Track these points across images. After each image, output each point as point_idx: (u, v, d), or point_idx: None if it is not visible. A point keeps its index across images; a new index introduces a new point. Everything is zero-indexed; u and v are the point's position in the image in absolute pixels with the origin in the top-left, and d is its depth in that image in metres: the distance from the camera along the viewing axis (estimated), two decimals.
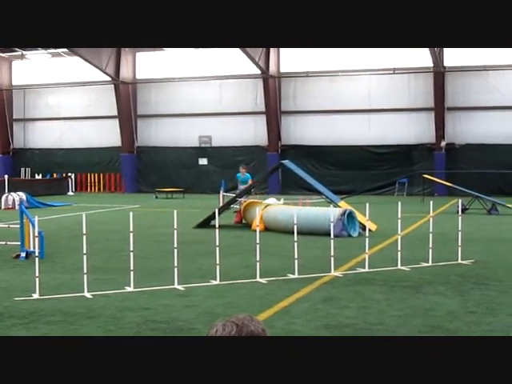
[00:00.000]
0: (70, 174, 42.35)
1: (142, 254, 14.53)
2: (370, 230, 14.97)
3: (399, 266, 13.12)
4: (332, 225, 13.47)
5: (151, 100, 43.31)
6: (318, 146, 39.79)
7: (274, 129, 40.15)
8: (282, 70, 40.72)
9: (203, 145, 42.16)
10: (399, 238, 13.71)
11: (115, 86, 41.78)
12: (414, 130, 38.59)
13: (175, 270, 11.42)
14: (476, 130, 37.40)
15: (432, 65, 37.17)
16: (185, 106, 42.20)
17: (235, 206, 23.34)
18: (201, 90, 41.79)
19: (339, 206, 19.69)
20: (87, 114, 44.26)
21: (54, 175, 43.96)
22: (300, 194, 32.91)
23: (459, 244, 13.85)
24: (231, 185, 32.31)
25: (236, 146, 41.12)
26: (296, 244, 12.52)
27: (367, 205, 13.55)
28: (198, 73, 41.48)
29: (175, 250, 11.58)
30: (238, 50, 36.70)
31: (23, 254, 14.49)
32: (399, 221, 13.70)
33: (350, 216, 18.58)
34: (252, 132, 41.22)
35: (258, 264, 12.07)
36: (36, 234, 12.44)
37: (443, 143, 37.57)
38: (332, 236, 13.08)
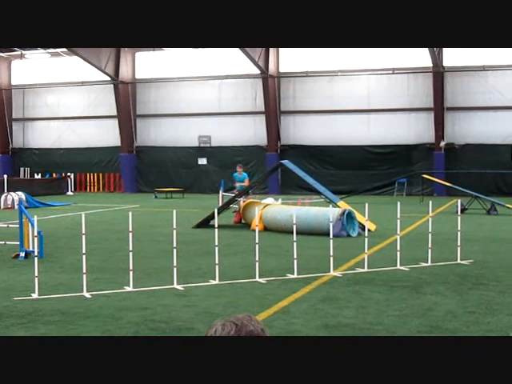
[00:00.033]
0: (69, 174, 42.34)
1: (141, 254, 14.54)
2: (369, 230, 14.98)
3: (398, 266, 13.12)
4: (331, 225, 13.47)
5: (150, 100, 43.31)
6: (317, 146, 39.80)
7: (273, 129, 40.16)
8: (281, 70, 40.73)
9: (202, 145, 42.15)
10: (398, 238, 13.71)
11: (114, 85, 41.78)
12: (413, 130, 38.60)
13: (174, 269, 11.43)
14: (475, 130, 37.42)
15: (431, 65, 37.18)
16: (184, 105, 42.21)
17: (234, 206, 23.34)
18: (200, 90, 41.80)
19: (338, 206, 19.70)
20: (86, 114, 44.27)
21: (54, 175, 43.95)
22: (299, 194, 32.98)
23: (458, 244, 13.85)
24: (231, 185, 32.34)
25: (235, 145, 41.12)
26: (295, 244, 12.52)
27: (366, 205, 13.55)
28: (197, 73, 41.48)
29: (174, 250, 11.58)
30: (237, 49, 36.71)
31: (22, 254, 14.49)
32: (398, 221, 13.71)
33: (350, 216, 18.58)
34: (251, 132, 41.23)
35: (257, 264, 12.08)
36: (35, 234, 12.44)
37: (442, 143, 37.58)
38: (331, 236, 13.09)
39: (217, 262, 11.84)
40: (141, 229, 18.70)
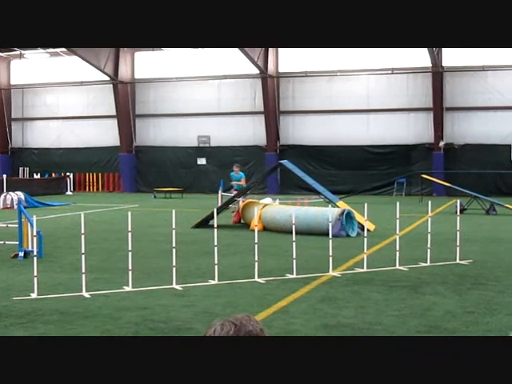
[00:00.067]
0: (68, 174, 42.31)
1: (141, 254, 14.54)
2: (368, 230, 14.97)
3: (397, 266, 13.12)
4: (330, 225, 13.47)
5: (150, 100, 43.31)
6: (316, 146, 39.81)
7: (272, 129, 40.16)
8: (280, 70, 40.73)
9: (202, 144, 42.15)
10: (397, 238, 13.71)
11: (114, 85, 41.77)
12: (412, 130, 38.61)
13: (173, 269, 11.43)
14: (474, 130, 37.43)
15: (430, 65, 37.19)
16: (183, 105, 42.21)
17: (233, 206, 23.34)
18: (199, 90, 41.80)
19: (338, 206, 19.70)
20: (86, 114, 44.26)
21: (53, 175, 43.93)
22: (298, 194, 32.97)
23: (457, 244, 13.86)
24: (230, 184, 32.35)
25: (234, 145, 41.13)
26: (294, 244, 12.52)
27: (365, 205, 13.56)
28: (196, 73, 41.48)
29: (173, 250, 11.58)
30: (236, 49, 36.71)
31: (21, 254, 14.49)
32: (397, 221, 13.71)
33: (349, 216, 18.58)
34: (250, 132, 41.23)
35: (256, 264, 12.08)
36: (34, 234, 12.44)
37: (442, 143, 37.59)
38: (330, 236, 13.09)
39: (216, 261, 11.84)
40: (140, 229, 18.70)
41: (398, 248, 13.37)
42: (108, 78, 41.51)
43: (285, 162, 23.16)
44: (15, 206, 26.03)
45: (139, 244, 15.42)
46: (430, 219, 14.36)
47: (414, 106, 38.50)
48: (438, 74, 37.28)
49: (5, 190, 31.68)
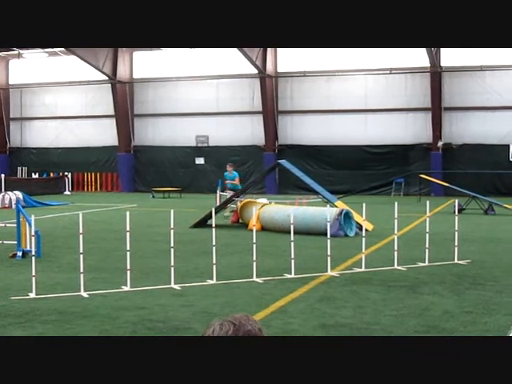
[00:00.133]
0: (66, 174, 42.28)
1: (139, 254, 14.53)
2: (366, 230, 15.00)
3: (396, 266, 13.13)
4: (329, 224, 13.48)
5: (148, 99, 43.29)
6: (314, 146, 39.80)
7: (270, 128, 40.15)
8: (279, 70, 40.72)
9: (200, 144, 42.14)
10: (396, 237, 13.71)
11: (112, 85, 41.74)
12: (410, 130, 38.61)
13: (172, 269, 11.43)
14: (473, 130, 37.44)
15: (429, 65, 37.18)
16: (182, 105, 42.19)
17: (232, 206, 23.35)
18: (198, 90, 41.78)
19: (336, 206, 19.70)
20: (84, 114, 44.23)
21: (51, 174, 43.88)
22: (297, 194, 32.94)
23: (456, 244, 13.86)
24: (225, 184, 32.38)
25: (233, 145, 41.12)
26: (292, 244, 12.53)
27: (364, 205, 13.57)
28: (195, 72, 41.46)
29: (172, 250, 11.58)
30: (235, 49, 36.71)
31: (20, 253, 14.48)
32: (396, 221, 13.72)
33: (347, 216, 18.59)
34: (249, 132, 41.23)
35: (254, 264, 12.08)
36: (32, 233, 12.43)
37: (440, 143, 37.60)
38: (329, 236, 13.09)
39: (214, 261, 11.84)
40: (138, 228, 18.69)
41: (396, 248, 13.38)
42: (106, 78, 41.49)
43: (283, 161, 23.17)
44: (13, 206, 26.02)
45: (137, 244, 15.41)
46: (428, 219, 14.37)
47: (413, 105, 38.49)
48: (436, 74, 37.29)
49: (3, 190, 31.69)
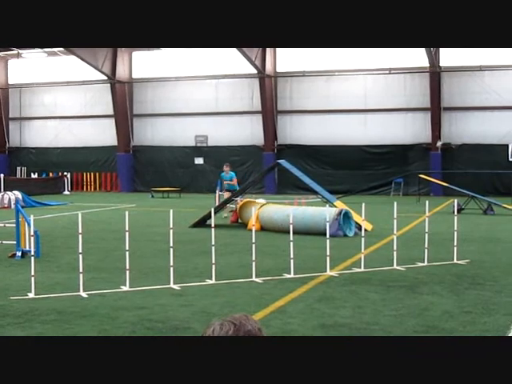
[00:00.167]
0: (65, 173, 42.29)
1: (138, 254, 14.53)
2: (365, 230, 15.00)
3: (395, 266, 13.13)
4: (328, 224, 13.48)
5: (147, 99, 43.28)
6: (314, 146, 39.80)
7: (270, 128, 40.16)
8: (278, 70, 40.72)
9: (199, 144, 42.14)
10: (395, 237, 13.72)
11: (111, 85, 41.74)
12: (409, 129, 38.62)
13: (171, 269, 11.42)
14: (472, 130, 37.44)
15: (428, 65, 37.19)
16: (181, 105, 42.18)
17: (231, 206, 23.35)
18: (197, 90, 41.78)
19: (335, 206, 19.70)
20: (83, 113, 44.22)
21: (50, 174, 43.88)
22: (296, 194, 32.98)
23: (455, 244, 13.86)
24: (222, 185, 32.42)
25: (232, 145, 41.12)
26: (292, 244, 12.53)
27: (363, 205, 13.56)
28: (194, 72, 41.46)
29: (171, 250, 11.58)
30: (234, 49, 36.71)
31: (19, 253, 14.48)
32: (395, 221, 13.72)
33: (346, 216, 18.59)
34: (248, 131, 41.22)
35: (253, 263, 12.08)
36: (32, 233, 12.42)
37: (439, 143, 37.61)
38: (328, 236, 13.09)
39: (213, 261, 11.84)
40: (137, 228, 18.69)
41: (395, 248, 13.38)
42: (106, 78, 41.48)
43: (282, 161, 23.17)
44: (13, 206, 26.00)
45: (136, 244, 15.41)
46: (427, 219, 14.37)
47: (412, 105, 38.50)
48: (435, 74, 37.29)
49: (2, 190, 31.67)
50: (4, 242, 15.64)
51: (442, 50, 37.20)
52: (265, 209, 20.22)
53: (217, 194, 27.28)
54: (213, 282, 11.67)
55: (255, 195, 27.69)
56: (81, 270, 10.81)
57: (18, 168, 45.65)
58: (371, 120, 39.18)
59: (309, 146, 39.86)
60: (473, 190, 28.19)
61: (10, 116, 46.28)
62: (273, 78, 40.29)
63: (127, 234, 11.26)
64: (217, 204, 23.77)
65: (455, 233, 13.96)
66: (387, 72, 38.31)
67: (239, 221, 21.72)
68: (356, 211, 18.78)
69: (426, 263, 13.47)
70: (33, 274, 10.56)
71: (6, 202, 29.48)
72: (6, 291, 10.97)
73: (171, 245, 11.56)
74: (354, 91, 39.17)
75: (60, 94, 44.70)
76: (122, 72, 42.00)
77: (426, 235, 13.84)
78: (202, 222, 20.33)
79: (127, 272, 11.16)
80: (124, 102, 42.40)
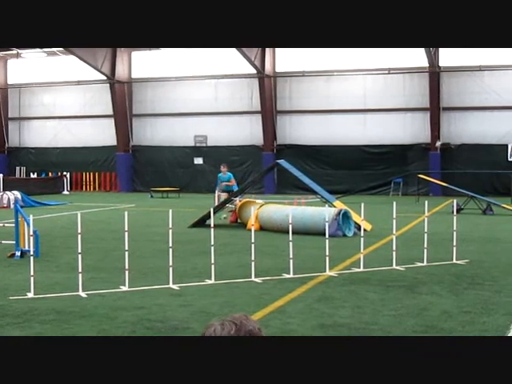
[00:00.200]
0: (65, 173, 42.28)
1: (137, 254, 14.53)
2: (365, 230, 14.98)
3: (394, 266, 13.13)
4: (327, 224, 13.47)
5: (147, 99, 43.28)
6: (313, 146, 39.81)
7: (269, 128, 40.16)
8: (277, 70, 40.72)
9: (198, 144, 42.14)
10: (394, 237, 13.72)
11: (111, 85, 41.74)
12: (409, 129, 38.63)
13: (170, 269, 11.42)
14: (471, 130, 37.46)
15: (427, 65, 37.20)
16: (180, 105, 42.18)
17: (230, 206, 23.34)
18: (196, 90, 41.78)
19: (334, 206, 19.70)
20: (83, 113, 44.21)
21: (50, 174, 43.88)
22: (295, 194, 32.99)
23: (454, 244, 13.86)
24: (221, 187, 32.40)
25: (231, 145, 41.12)
26: (291, 244, 12.52)
27: (362, 204, 13.56)
28: (193, 72, 41.45)
29: (170, 250, 11.58)
30: (233, 49, 36.70)
31: (18, 253, 14.47)
32: (394, 221, 13.72)
33: (345, 216, 18.59)
34: (247, 131, 41.23)
35: (253, 263, 12.07)
36: (31, 233, 12.42)
37: (438, 143, 37.61)
38: (327, 236, 13.08)
39: (212, 261, 11.83)
40: (136, 228, 18.69)
41: (394, 248, 13.37)
42: (105, 78, 41.48)
43: (282, 161, 23.17)
44: (12, 206, 26.00)
45: (136, 244, 15.41)
46: (426, 219, 14.37)
47: (411, 105, 38.51)
48: (434, 74, 37.30)
49: (1, 190, 31.65)
50: (3, 241, 15.63)
51: (441, 50, 37.21)
52: (264, 209, 20.22)
53: (216, 195, 27.27)
54: (212, 282, 11.66)
55: (254, 195, 27.69)
56: (80, 270, 10.80)
57: (18, 168, 45.65)
58: (370, 120, 39.19)
59: (308, 146, 39.87)
60: (472, 190, 28.19)
61: (10, 116, 46.27)
62: (272, 78, 40.29)
63: (126, 233, 11.26)
64: (216, 204, 23.75)
65: (454, 233, 13.96)
66: (386, 72, 38.31)
67: (238, 221, 21.72)
68: (355, 211, 18.78)
69: (425, 263, 13.47)
70: (32, 273, 10.56)
71: (5, 201, 29.47)
72: (5, 291, 10.97)
73: (170, 245, 11.56)
74: (354, 91, 39.18)
75: (59, 93, 44.69)
76: (121, 72, 42.00)
77: (426, 235, 13.84)
78: (201, 222, 20.33)
79: (126, 272, 11.16)
80: (123, 102, 42.40)
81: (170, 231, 11.66)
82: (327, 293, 10.80)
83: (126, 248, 11.21)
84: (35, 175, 43.60)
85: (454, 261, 13.74)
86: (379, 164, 38.48)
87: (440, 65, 37.66)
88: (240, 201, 22.00)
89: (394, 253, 13.29)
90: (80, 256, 10.90)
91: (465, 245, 15.74)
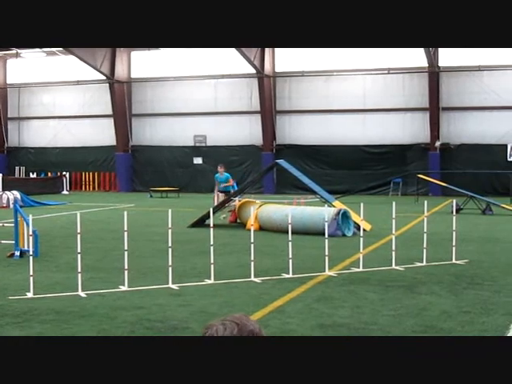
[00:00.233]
0: (64, 173, 42.26)
1: (137, 254, 14.53)
2: (364, 230, 14.99)
3: (393, 266, 13.13)
4: (326, 224, 13.47)
5: (146, 99, 43.27)
6: (312, 146, 39.81)
7: (268, 128, 40.16)
8: (277, 70, 40.72)
9: (198, 144, 42.13)
10: (393, 237, 13.72)
11: (110, 84, 41.73)
12: (408, 129, 38.63)
13: (169, 269, 11.42)
14: (470, 130, 37.46)
15: (427, 65, 37.21)
16: (180, 105, 42.17)
17: (230, 205, 23.33)
18: (196, 90, 41.77)
19: (334, 206, 19.71)
20: (82, 113, 44.20)
21: (49, 174, 43.87)
22: (295, 194, 32.99)
23: (453, 244, 13.86)
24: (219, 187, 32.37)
25: (231, 145, 41.12)
26: (290, 243, 12.52)
27: (362, 204, 13.56)
28: (193, 72, 41.45)
29: (169, 249, 11.57)
30: (233, 49, 36.70)
31: (17, 253, 14.47)
32: (394, 220, 13.72)
33: (345, 216, 18.58)
34: (247, 131, 41.22)
35: (252, 263, 12.07)
36: (30, 233, 12.42)
37: (438, 143, 37.61)
38: (326, 235, 13.08)
39: (212, 261, 11.83)
40: (136, 228, 18.69)
41: (393, 248, 13.37)
42: (104, 78, 41.47)
43: (281, 161, 23.16)
44: (11, 206, 26.00)
45: (135, 243, 15.41)
46: (425, 219, 14.37)
47: (411, 105, 38.52)
48: (434, 74, 37.30)
49: (1, 189, 31.63)
50: (3, 241, 15.62)
51: (440, 50, 37.22)
52: (263, 209, 20.22)
53: (215, 195, 27.26)
54: (211, 281, 11.66)
55: (254, 195, 27.68)
56: (79, 270, 10.80)
57: (17, 168, 45.64)
58: (370, 120, 39.19)
59: (307, 146, 39.87)
60: (471, 190, 28.20)
61: (9, 116, 46.26)
62: (271, 77, 40.29)
63: (126, 233, 11.25)
64: (215, 204, 23.74)
65: (454, 233, 13.96)
66: (386, 72, 38.31)
67: (238, 221, 21.72)
68: (355, 211, 18.79)
69: (424, 263, 13.47)
70: (31, 273, 10.56)
71: (4, 201, 29.47)
72: (4, 291, 10.96)
73: (170, 245, 11.56)
74: (353, 91, 39.18)
75: (59, 93, 44.68)
76: (120, 72, 41.99)
77: (425, 235, 13.84)
78: (201, 222, 20.33)
79: (126, 272, 11.16)
80: (123, 102, 42.40)
81: (170, 231, 11.65)
82: (326, 293, 10.80)
83: (126, 248, 11.21)
84: (34, 175, 43.58)
85: (454, 261, 13.74)
86: (379, 164, 38.48)
87: (439, 65, 37.67)
88: (239, 201, 22.00)
89: (394, 253, 13.29)
90: (79, 256, 10.90)
91: (464, 245, 15.74)
